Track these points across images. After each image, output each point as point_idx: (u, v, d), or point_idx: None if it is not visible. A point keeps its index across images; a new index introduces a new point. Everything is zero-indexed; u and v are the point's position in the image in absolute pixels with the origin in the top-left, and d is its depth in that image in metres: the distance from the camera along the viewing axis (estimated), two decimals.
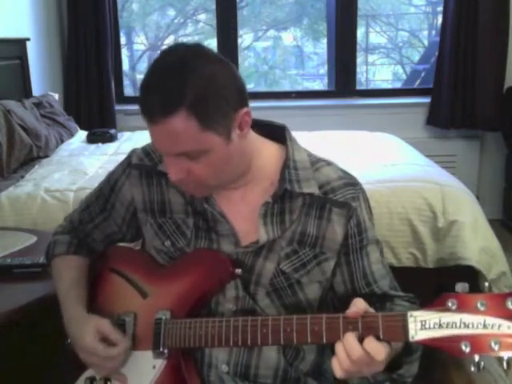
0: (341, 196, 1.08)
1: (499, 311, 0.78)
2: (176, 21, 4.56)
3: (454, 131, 3.86)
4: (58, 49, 3.88)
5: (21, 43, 3.22)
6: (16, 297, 1.38)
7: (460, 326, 0.79)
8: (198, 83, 0.92)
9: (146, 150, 1.17)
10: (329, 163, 1.13)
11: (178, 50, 0.98)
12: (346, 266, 1.09)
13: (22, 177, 2.49)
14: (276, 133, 1.13)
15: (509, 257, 2.20)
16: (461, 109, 3.74)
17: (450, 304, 0.81)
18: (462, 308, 0.80)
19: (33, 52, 3.37)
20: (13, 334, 1.49)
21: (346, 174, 1.12)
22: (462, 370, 2.09)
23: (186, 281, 1.07)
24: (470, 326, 0.79)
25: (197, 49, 0.98)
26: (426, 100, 3.88)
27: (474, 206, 2.18)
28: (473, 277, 2.06)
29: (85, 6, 3.69)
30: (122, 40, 4.28)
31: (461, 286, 0.82)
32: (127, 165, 1.18)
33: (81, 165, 2.63)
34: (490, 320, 0.78)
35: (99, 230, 1.23)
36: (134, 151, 1.19)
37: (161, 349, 1.05)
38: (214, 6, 4.02)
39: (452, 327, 0.80)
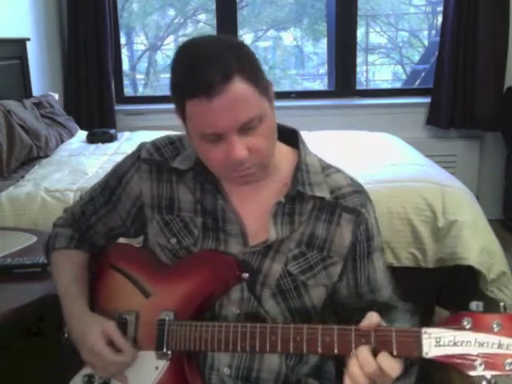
0: (350, 202, 1.08)
1: None
2: (176, 21, 4.56)
3: (454, 131, 3.86)
4: (58, 49, 3.88)
5: (21, 43, 3.22)
6: (16, 297, 1.38)
7: (475, 345, 0.80)
8: (240, 52, 0.96)
9: (156, 145, 1.15)
10: (338, 170, 1.14)
11: (202, 36, 1.01)
12: (351, 272, 1.10)
13: (22, 177, 2.49)
14: (287, 135, 1.13)
15: (509, 257, 2.20)
16: (461, 109, 3.74)
17: (465, 323, 0.81)
18: (477, 327, 0.81)
19: (33, 52, 3.37)
20: (13, 334, 1.49)
21: (354, 182, 1.13)
22: (462, 372, 2.08)
23: (192, 282, 1.06)
24: (485, 345, 0.80)
25: (214, 34, 1.02)
26: (426, 100, 3.88)
27: (473, 206, 2.18)
28: (473, 277, 2.06)
29: (85, 6, 3.69)
30: (122, 40, 4.27)
31: (475, 305, 0.82)
32: (136, 158, 1.16)
33: (81, 165, 2.63)
34: (505, 340, 0.79)
35: (102, 222, 1.21)
36: (143, 145, 1.17)
37: (164, 350, 1.04)
38: (214, 6, 4.02)
39: (467, 345, 0.81)
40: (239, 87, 0.92)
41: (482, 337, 0.80)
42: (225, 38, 1.01)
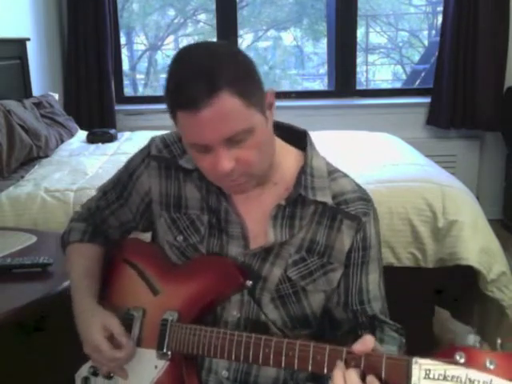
0: (353, 209, 1.07)
1: (509, 373, 0.74)
2: (176, 21, 4.56)
3: (454, 131, 3.86)
4: (58, 49, 3.88)
5: (21, 43, 3.22)
6: (16, 297, 1.38)
7: (465, 382, 0.76)
8: (232, 64, 0.94)
9: (166, 142, 1.16)
10: (345, 175, 1.13)
11: (199, 44, 1.00)
12: (343, 278, 1.09)
13: (22, 177, 2.49)
14: (296, 137, 1.12)
15: (509, 257, 2.20)
16: (461, 109, 3.74)
17: (457, 357, 0.77)
18: (469, 363, 0.76)
19: (33, 52, 3.37)
20: (12, 335, 1.49)
21: (360, 188, 1.12)
22: None
23: (198, 285, 1.07)
24: (476, 382, 0.75)
25: (213, 41, 1.00)
26: (426, 100, 3.88)
27: (474, 206, 2.18)
28: (473, 277, 2.06)
29: (85, 6, 3.69)
30: (122, 40, 4.28)
31: (472, 339, 0.78)
32: (146, 154, 1.17)
33: (81, 165, 2.63)
34: (498, 381, 0.74)
35: (115, 216, 1.22)
36: (153, 140, 1.18)
37: (164, 350, 1.05)
38: (214, 6, 4.02)
39: (457, 381, 0.76)
40: (225, 101, 0.91)
41: (473, 373, 0.75)
42: (222, 47, 0.99)
